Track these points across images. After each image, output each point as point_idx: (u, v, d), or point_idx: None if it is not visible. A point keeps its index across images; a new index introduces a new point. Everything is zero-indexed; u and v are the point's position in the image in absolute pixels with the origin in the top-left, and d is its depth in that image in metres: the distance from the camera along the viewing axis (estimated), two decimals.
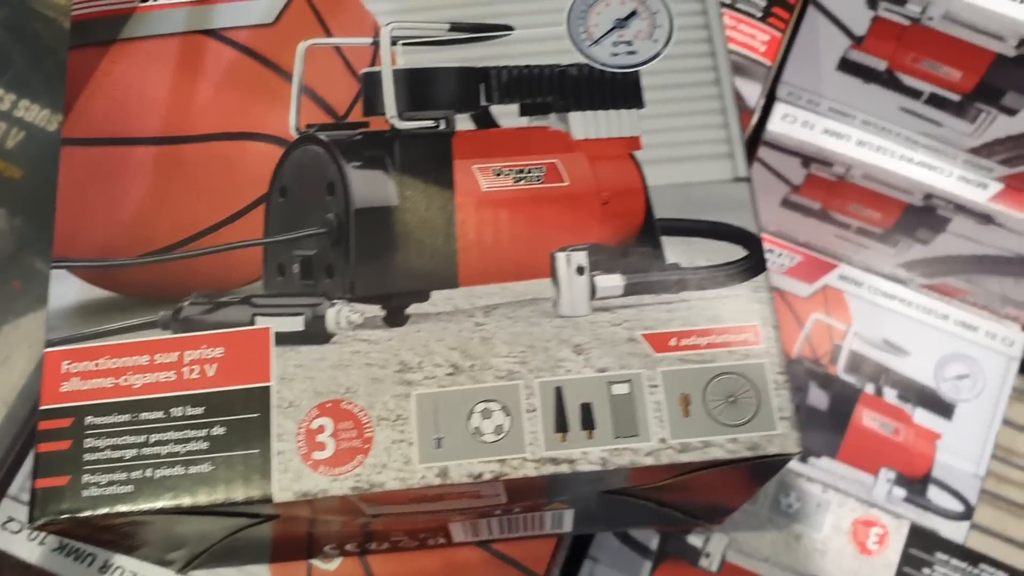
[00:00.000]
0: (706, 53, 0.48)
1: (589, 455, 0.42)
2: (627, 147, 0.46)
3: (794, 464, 0.82)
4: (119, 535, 0.47)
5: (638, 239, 0.45)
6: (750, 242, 0.45)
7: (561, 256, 0.45)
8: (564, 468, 0.42)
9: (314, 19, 0.48)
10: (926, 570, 0.73)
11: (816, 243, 0.92)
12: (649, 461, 0.42)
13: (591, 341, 0.44)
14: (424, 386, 0.43)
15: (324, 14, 0.48)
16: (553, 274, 0.45)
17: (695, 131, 0.47)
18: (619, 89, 0.47)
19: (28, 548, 0.59)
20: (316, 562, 0.57)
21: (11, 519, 0.59)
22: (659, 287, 0.44)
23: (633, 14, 0.48)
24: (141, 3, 0.49)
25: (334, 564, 0.57)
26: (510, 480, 0.43)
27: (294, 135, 0.47)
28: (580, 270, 0.44)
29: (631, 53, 0.48)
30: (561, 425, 0.43)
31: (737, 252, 0.45)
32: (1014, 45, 0.64)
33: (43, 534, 0.59)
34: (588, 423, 0.43)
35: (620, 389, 0.43)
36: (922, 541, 0.74)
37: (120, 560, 0.58)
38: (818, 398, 0.86)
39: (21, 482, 0.61)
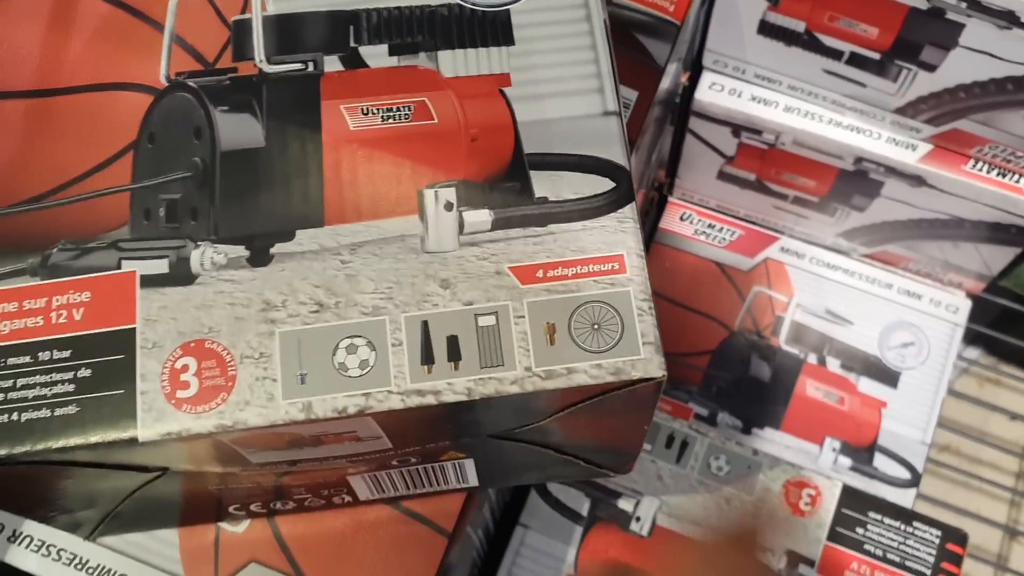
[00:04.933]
0: None
1: (455, 385, 0.42)
2: (496, 84, 0.46)
3: (736, 436, 0.82)
4: (5, 493, 0.48)
5: (507, 174, 0.45)
6: (617, 174, 0.45)
7: (429, 193, 0.45)
8: (430, 399, 0.42)
9: None
10: (859, 529, 0.73)
11: (756, 216, 0.92)
12: (514, 389, 0.42)
13: (458, 275, 0.43)
14: (288, 324, 0.43)
15: None
16: (421, 211, 0.45)
17: (565, 67, 0.47)
18: (489, 27, 0.47)
19: None
20: (224, 525, 0.57)
21: None
22: (526, 221, 0.44)
23: None
24: None
25: (242, 527, 0.57)
26: (380, 415, 0.43)
27: (164, 83, 0.47)
28: (448, 206, 0.44)
29: None
30: (428, 358, 0.42)
31: (606, 184, 0.45)
32: None
33: None
34: (454, 355, 0.42)
35: (486, 321, 0.43)
36: (855, 501, 0.73)
37: (30, 528, 0.58)
38: (760, 369, 0.85)
39: None
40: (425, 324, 0.43)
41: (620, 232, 0.44)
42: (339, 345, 0.43)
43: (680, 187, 0.92)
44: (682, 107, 0.83)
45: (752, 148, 0.83)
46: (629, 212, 0.44)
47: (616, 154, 0.45)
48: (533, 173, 0.45)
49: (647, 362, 0.42)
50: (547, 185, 0.45)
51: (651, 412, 0.47)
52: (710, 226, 0.92)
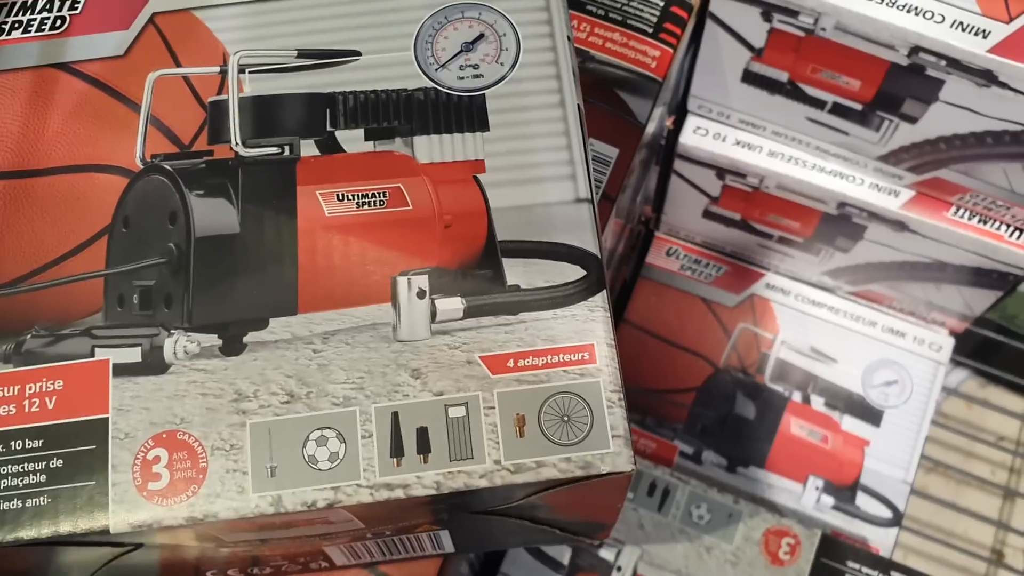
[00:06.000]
0: (551, 76, 0.48)
1: (423, 479, 0.42)
2: (471, 170, 0.47)
3: (721, 474, 0.82)
4: None
5: (480, 261, 0.45)
6: (588, 262, 0.45)
7: (402, 280, 0.45)
8: (399, 493, 0.42)
9: (164, 50, 0.49)
10: None
11: (742, 253, 0.92)
12: (483, 483, 0.42)
13: (429, 365, 0.44)
14: (259, 415, 0.43)
15: (175, 45, 0.49)
16: (394, 298, 0.45)
17: (539, 153, 0.47)
18: (464, 112, 0.47)
19: None
20: None
21: None
22: (498, 309, 0.44)
23: (480, 37, 0.48)
24: None
25: None
26: (350, 507, 0.43)
27: (140, 165, 0.47)
28: (421, 294, 0.45)
29: (477, 76, 0.48)
30: (397, 450, 0.43)
31: (578, 272, 0.45)
32: (906, 54, 0.64)
33: None
34: (424, 447, 0.43)
35: (456, 412, 0.43)
36: (833, 550, 0.74)
37: None
38: (745, 407, 0.86)
39: None
40: (395, 416, 0.43)
41: (590, 321, 0.44)
42: (309, 437, 0.43)
43: (666, 223, 0.92)
44: (667, 149, 0.83)
45: (736, 190, 0.83)
46: (600, 300, 0.45)
47: (587, 241, 0.45)
48: (505, 260, 0.45)
49: (616, 456, 0.42)
50: (519, 272, 0.45)
51: (623, 496, 0.47)
52: (696, 261, 0.92)
